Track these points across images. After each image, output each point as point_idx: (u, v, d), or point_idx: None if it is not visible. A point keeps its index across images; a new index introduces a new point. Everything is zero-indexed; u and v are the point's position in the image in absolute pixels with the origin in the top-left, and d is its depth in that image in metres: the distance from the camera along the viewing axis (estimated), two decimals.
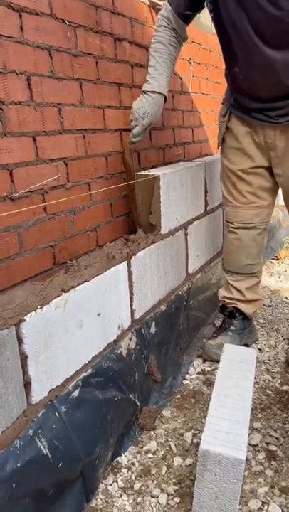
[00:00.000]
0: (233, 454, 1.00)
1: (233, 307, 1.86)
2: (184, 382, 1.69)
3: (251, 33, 1.33)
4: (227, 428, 1.08)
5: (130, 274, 1.39)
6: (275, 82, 1.40)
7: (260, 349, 1.91)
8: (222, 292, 1.90)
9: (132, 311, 1.43)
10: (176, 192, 1.67)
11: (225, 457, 1.00)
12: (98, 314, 1.24)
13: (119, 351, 1.34)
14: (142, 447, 1.36)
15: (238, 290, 1.83)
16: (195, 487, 1.06)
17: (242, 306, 1.84)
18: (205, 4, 1.46)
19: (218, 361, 1.76)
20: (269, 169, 1.65)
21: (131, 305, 1.42)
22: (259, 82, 1.43)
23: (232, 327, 1.86)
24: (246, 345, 1.86)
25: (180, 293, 1.77)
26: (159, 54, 1.53)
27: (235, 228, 1.76)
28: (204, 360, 1.83)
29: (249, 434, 1.39)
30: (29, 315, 0.98)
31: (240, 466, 0.99)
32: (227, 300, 1.87)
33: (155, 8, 1.76)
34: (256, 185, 1.67)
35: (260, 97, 1.48)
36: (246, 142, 1.61)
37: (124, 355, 1.36)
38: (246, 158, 1.64)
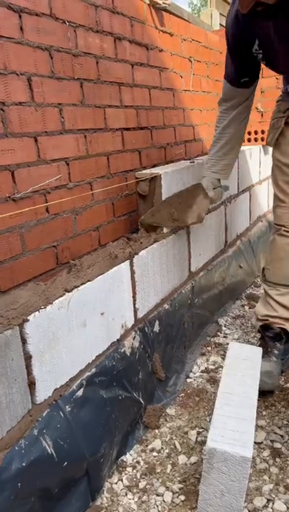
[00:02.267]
0: (239, 451, 1.00)
1: (280, 328, 1.62)
2: (188, 380, 1.69)
3: None
4: (233, 426, 1.08)
5: (133, 273, 1.40)
6: None
7: None
8: (261, 310, 1.67)
9: (136, 310, 1.43)
10: (177, 190, 1.67)
11: (231, 455, 1.00)
12: (101, 313, 1.24)
13: (122, 350, 1.34)
14: (146, 446, 1.36)
15: (283, 306, 1.61)
16: (201, 485, 1.06)
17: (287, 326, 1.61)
18: (255, 54, 1.42)
19: (268, 391, 1.57)
20: None
21: (134, 304, 1.42)
22: None
23: (275, 351, 1.62)
24: (283, 371, 1.63)
25: (183, 291, 1.77)
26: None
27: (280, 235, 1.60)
28: (208, 359, 1.83)
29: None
30: (33, 315, 0.99)
31: (246, 464, 1.00)
32: (271, 319, 1.63)
33: (155, 6, 1.76)
34: None
35: None
36: None
37: (128, 354, 1.36)
38: None
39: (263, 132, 2.71)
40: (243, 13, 1.14)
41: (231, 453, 1.00)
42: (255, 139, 2.74)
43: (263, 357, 1.52)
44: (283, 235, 1.61)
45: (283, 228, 1.60)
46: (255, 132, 2.74)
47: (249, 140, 2.75)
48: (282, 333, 1.63)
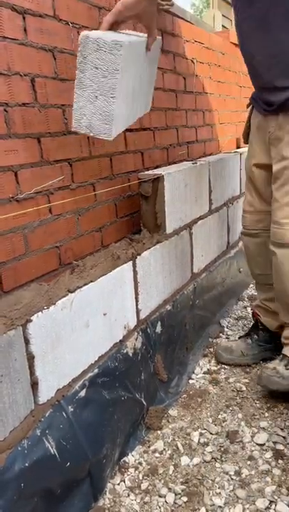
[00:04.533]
0: (113, 37, 0.91)
1: (256, 318, 1.81)
2: (190, 381, 1.69)
3: None
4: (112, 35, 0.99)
5: (135, 273, 1.40)
6: None
7: None
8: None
9: (138, 311, 1.43)
10: (180, 191, 1.67)
11: (104, 41, 0.90)
12: (104, 314, 1.24)
13: (125, 351, 1.34)
14: (148, 447, 1.36)
15: (258, 299, 1.81)
16: (75, 89, 0.94)
17: (263, 319, 1.78)
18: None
19: (224, 363, 1.76)
20: None
21: (136, 305, 1.42)
22: None
23: (255, 336, 1.80)
24: (265, 359, 1.76)
25: (185, 292, 1.76)
26: None
27: (242, 234, 1.76)
28: (210, 360, 1.83)
29: (256, 433, 1.39)
30: (36, 315, 0.99)
31: (118, 51, 0.89)
32: (253, 308, 1.85)
33: (157, 8, 1.76)
34: None
35: None
36: None
37: (131, 354, 1.36)
38: None
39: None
40: None
41: (104, 38, 0.90)
42: None
43: (242, 337, 1.84)
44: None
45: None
46: None
47: None
48: (258, 324, 1.80)
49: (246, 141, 1.70)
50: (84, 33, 0.92)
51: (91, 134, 0.96)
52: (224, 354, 1.79)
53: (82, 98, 0.94)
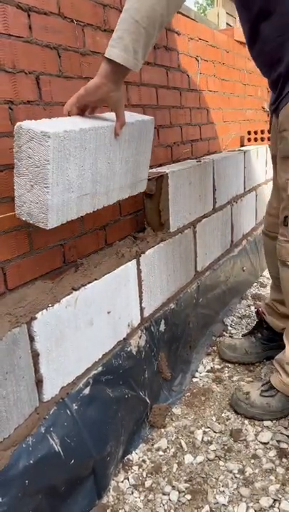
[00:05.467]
0: (42, 128, 0.91)
1: (260, 316, 1.79)
2: (194, 379, 1.69)
3: None
4: (52, 122, 1.00)
5: (139, 272, 1.40)
6: None
7: None
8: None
9: (142, 309, 1.43)
10: (184, 189, 1.67)
11: (34, 132, 0.91)
12: (108, 312, 1.24)
13: (129, 349, 1.34)
14: (152, 445, 1.36)
15: (269, 297, 1.78)
16: (14, 177, 0.96)
17: (268, 318, 1.76)
18: None
19: (228, 361, 1.76)
20: None
21: (140, 303, 1.42)
22: None
23: (259, 334, 1.79)
24: (269, 358, 1.74)
25: (189, 291, 1.76)
26: None
27: (262, 233, 1.75)
28: (213, 358, 1.83)
29: (259, 432, 1.39)
30: (40, 313, 0.99)
31: (46, 142, 0.90)
32: (257, 306, 1.83)
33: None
34: None
35: None
36: None
37: (134, 353, 1.36)
38: None
39: (269, 132, 2.70)
40: None
41: (35, 130, 0.91)
42: (262, 139, 2.73)
43: (246, 335, 1.83)
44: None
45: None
46: (262, 132, 2.73)
47: (256, 139, 2.75)
48: (262, 322, 1.78)
49: None
50: (19, 123, 0.93)
51: (31, 222, 0.98)
52: (227, 351, 1.79)
53: (20, 186, 0.96)
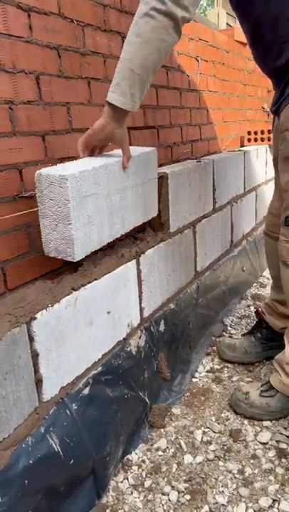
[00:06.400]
0: (60, 172, 0.99)
1: (260, 316, 1.79)
2: (193, 380, 1.69)
3: None
4: (69, 165, 1.09)
5: (139, 272, 1.40)
6: None
7: None
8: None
9: (142, 309, 1.44)
10: (184, 190, 1.67)
11: (54, 177, 0.99)
12: (108, 312, 1.24)
13: (128, 349, 1.34)
14: (152, 445, 1.36)
15: (269, 297, 1.78)
16: (40, 219, 1.04)
17: (267, 318, 1.76)
18: None
19: (227, 361, 1.77)
20: None
21: (140, 303, 1.42)
22: None
23: (258, 334, 1.79)
24: (269, 358, 1.74)
25: (189, 291, 1.76)
26: None
27: (263, 233, 1.75)
28: (213, 359, 1.83)
29: (259, 432, 1.39)
30: (40, 313, 0.99)
31: (65, 184, 0.98)
32: (257, 306, 1.82)
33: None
34: None
35: None
36: None
37: (134, 353, 1.36)
38: None
39: (269, 132, 2.70)
40: None
41: (54, 175, 0.99)
42: (262, 139, 2.73)
43: (245, 335, 1.84)
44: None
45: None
46: (262, 132, 2.73)
47: (256, 140, 2.75)
48: (262, 322, 1.79)
49: None
50: (38, 171, 1.02)
51: (59, 257, 1.06)
52: (227, 351, 1.79)
53: (45, 227, 1.05)
